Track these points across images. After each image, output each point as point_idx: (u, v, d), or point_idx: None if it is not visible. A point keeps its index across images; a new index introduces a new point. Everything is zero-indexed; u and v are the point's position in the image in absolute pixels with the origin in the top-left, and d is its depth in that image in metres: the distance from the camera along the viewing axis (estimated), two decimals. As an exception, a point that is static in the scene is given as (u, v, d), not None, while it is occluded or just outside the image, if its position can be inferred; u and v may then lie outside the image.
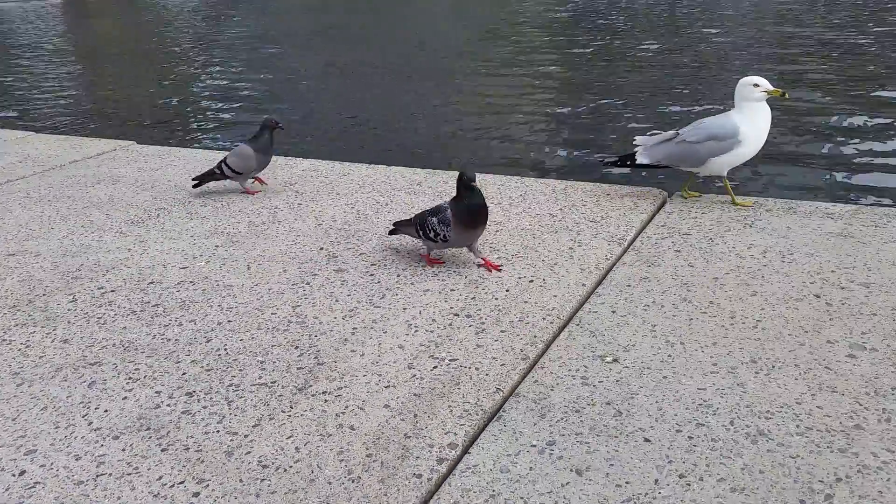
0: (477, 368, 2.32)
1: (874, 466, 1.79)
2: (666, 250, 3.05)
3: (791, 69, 9.61)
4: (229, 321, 2.68)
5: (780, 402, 2.05)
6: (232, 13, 23.37)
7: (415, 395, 2.18)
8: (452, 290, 2.82)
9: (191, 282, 3.02)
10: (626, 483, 1.80)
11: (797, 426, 1.95)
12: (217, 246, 3.36)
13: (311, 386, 2.25)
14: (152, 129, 8.67)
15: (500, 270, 2.95)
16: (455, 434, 2.02)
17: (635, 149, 3.60)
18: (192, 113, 9.72)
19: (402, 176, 4.18)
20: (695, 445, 1.91)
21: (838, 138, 6.50)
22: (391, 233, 3.21)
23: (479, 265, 3.01)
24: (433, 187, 3.97)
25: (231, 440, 2.05)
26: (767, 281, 2.73)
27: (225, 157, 3.96)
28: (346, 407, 2.15)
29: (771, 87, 3.30)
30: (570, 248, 3.12)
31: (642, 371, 2.25)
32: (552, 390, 2.19)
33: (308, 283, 2.93)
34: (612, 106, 8.34)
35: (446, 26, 17.74)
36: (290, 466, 1.93)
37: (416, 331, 2.53)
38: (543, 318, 2.59)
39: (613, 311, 2.61)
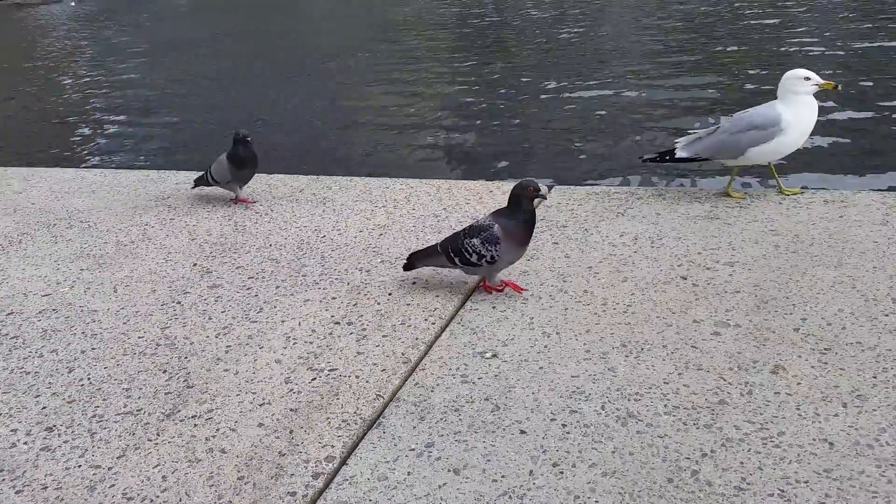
0: (357, 376, 2.27)
1: (737, 439, 1.87)
2: (544, 243, 3.10)
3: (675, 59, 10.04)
4: (93, 348, 2.52)
5: (648, 383, 2.11)
6: (106, 22, 22.34)
7: (291, 410, 2.12)
8: (334, 297, 2.77)
9: (53, 309, 2.83)
10: (502, 477, 1.81)
11: (665, 406, 2.01)
12: (82, 269, 3.16)
13: (179, 411, 2.15)
14: (15, 149, 8.15)
15: (525, 290, 2.69)
16: (332, 446, 1.97)
17: (675, 144, 3.53)
18: (61, 129, 9.20)
19: (284, 184, 4.09)
20: (568, 433, 1.94)
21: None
22: (406, 268, 2.81)
23: (498, 290, 2.72)
24: (316, 194, 3.90)
25: (94, 474, 1.92)
26: (637, 266, 2.81)
27: (211, 165, 3.91)
28: (218, 430, 2.06)
29: (822, 81, 3.22)
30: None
31: (520, 364, 2.26)
32: (432, 391, 2.18)
33: (179, 303, 2.80)
34: (500, 104, 8.47)
35: (336, 25, 17.56)
36: (157, 497, 1.82)
37: (295, 343, 2.46)
38: (426, 320, 2.57)
39: (494, 307, 2.62)
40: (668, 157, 3.49)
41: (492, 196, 3.66)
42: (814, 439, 1.83)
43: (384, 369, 2.30)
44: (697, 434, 1.89)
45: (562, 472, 1.80)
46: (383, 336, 2.49)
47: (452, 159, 6.62)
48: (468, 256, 2.61)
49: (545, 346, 2.34)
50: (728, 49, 10.55)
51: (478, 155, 6.64)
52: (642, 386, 2.10)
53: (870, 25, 11.20)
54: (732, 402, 2.00)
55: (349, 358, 2.37)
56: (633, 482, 1.75)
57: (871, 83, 7.62)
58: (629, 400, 2.05)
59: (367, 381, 2.24)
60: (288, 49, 14.68)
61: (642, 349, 2.28)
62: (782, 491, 1.68)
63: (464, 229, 2.69)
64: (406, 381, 2.25)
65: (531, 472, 1.81)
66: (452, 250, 2.65)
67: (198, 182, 3.93)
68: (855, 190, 3.77)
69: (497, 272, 2.69)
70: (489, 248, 2.57)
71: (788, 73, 3.27)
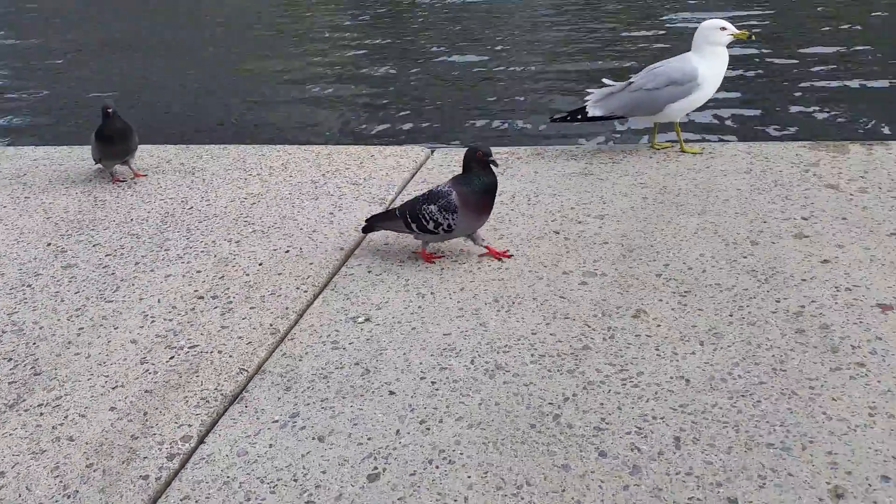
0: (220, 351, 2.18)
1: (598, 381, 1.90)
2: (423, 205, 3.06)
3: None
4: (-71, 341, 2.31)
5: (517, 335, 2.12)
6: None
7: (146, 391, 2.00)
8: (199, 271, 2.64)
9: None
10: (368, 440, 1.77)
11: (532, 355, 2.02)
12: (-78, 257, 2.90)
13: (24, 400, 1.99)
14: None
15: (509, 258, 2.57)
16: (190, 426, 1.88)
17: (585, 101, 3.42)
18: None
19: (150, 154, 3.86)
20: (437, 390, 1.92)
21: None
22: (365, 230, 2.72)
23: (481, 255, 2.61)
24: (185, 164, 3.71)
25: (-76, 476, 1.76)
26: (514, 224, 2.82)
27: None
28: (66, 417, 1.92)
29: (736, 31, 3.20)
30: (331, 214, 3.04)
31: (393, 326, 2.23)
32: (301, 361, 2.11)
33: (29, 286, 2.60)
34: (391, 70, 8.35)
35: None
36: (-6, 493, 1.69)
37: (153, 321, 2.33)
38: (297, 288, 2.49)
39: (370, 272, 2.57)
40: (579, 117, 3.38)
41: (373, 161, 3.58)
42: (671, 377, 1.88)
43: (250, 342, 2.21)
44: (561, 380, 1.91)
45: (428, 429, 1.78)
46: (251, 308, 2.40)
47: (335, 125, 6.48)
48: (425, 223, 2.50)
49: (419, 307, 2.31)
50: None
51: (363, 121, 6.52)
52: (511, 338, 2.11)
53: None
54: (595, 347, 2.03)
55: (212, 333, 2.27)
56: (497, 431, 1.75)
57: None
58: (498, 353, 2.05)
59: (230, 356, 2.15)
60: (172, 17, 13.97)
61: (514, 303, 2.29)
62: (639, 428, 1.72)
63: (423, 194, 2.58)
64: (273, 352, 2.18)
65: (398, 431, 1.79)
66: (410, 216, 2.54)
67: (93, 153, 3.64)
68: (722, 142, 3.92)
69: (451, 240, 2.62)
70: (446, 216, 2.47)
71: (705, 24, 3.23)
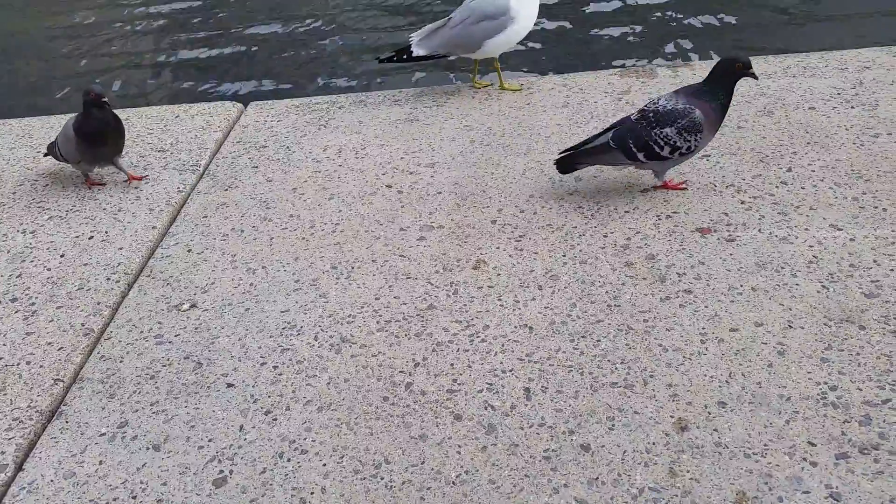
0: (28, 362, 1.92)
1: (446, 341, 1.87)
2: (243, 168, 2.84)
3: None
4: None
5: (361, 302, 2.04)
6: None
7: (-64, 423, 1.72)
8: (-14, 272, 2.30)
9: None
10: (210, 441, 1.63)
11: (377, 322, 1.95)
12: None
13: None
14: None
15: (685, 189, 2.38)
16: (3, 453, 1.64)
17: (409, 40, 3.29)
18: None
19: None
20: (280, 374, 1.80)
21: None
22: (563, 170, 2.41)
23: (656, 187, 2.41)
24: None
25: None
26: (343, 181, 2.69)
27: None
28: None
29: None
30: (136, 188, 2.75)
31: (223, 310, 2.06)
32: (122, 362, 1.90)
33: None
34: (195, 17, 7.69)
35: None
36: None
37: (-66, 339, 2.00)
38: (108, 279, 2.24)
39: (189, 250, 2.35)
40: (405, 56, 3.31)
41: (179, 122, 3.26)
42: (515, 327, 1.89)
43: (61, 347, 1.96)
44: (409, 345, 1.86)
45: (275, 419, 1.67)
46: (57, 308, 2.12)
47: (131, 86, 5.89)
48: (658, 150, 2.23)
49: (251, 285, 2.16)
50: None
51: (165, 81, 5.98)
52: (354, 306, 2.02)
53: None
54: (440, 305, 2.00)
55: (16, 342, 1.99)
56: (349, 410, 1.68)
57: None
58: (342, 324, 1.96)
59: (41, 366, 1.90)
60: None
61: (353, 268, 2.19)
62: (490, 385, 1.72)
63: (642, 117, 2.29)
64: (90, 355, 1.95)
65: (241, 427, 1.66)
66: (635, 144, 2.25)
67: (49, 151, 2.88)
68: (538, 76, 3.97)
69: (677, 165, 2.37)
70: (689, 137, 2.21)
71: None
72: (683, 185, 2.42)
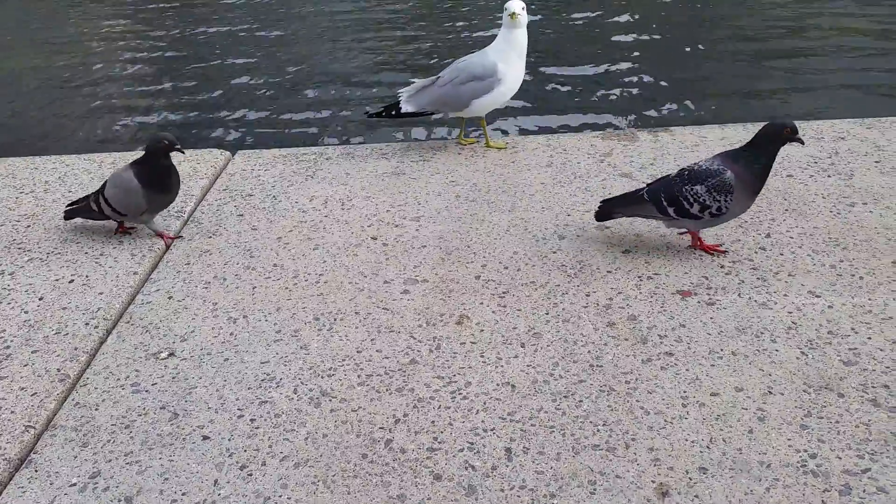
0: (-2, 407, 1.87)
1: (427, 398, 1.85)
2: (228, 216, 2.85)
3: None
4: None
5: (342, 355, 2.02)
6: None
7: None
8: (-39, 314, 2.26)
9: None
10: (183, 495, 1.59)
11: (358, 376, 1.94)
12: None
13: None
14: None
15: (725, 254, 2.38)
16: (-36, 503, 1.59)
17: (398, 97, 3.36)
18: None
19: None
20: (257, 428, 1.77)
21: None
22: (600, 217, 2.50)
23: (693, 246, 2.43)
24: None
25: None
26: (329, 232, 2.70)
27: (103, 186, 2.64)
28: None
29: (513, 10, 3.14)
30: (120, 233, 2.73)
31: (202, 359, 2.03)
32: (97, 409, 1.87)
33: None
34: (184, 68, 7.78)
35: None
36: None
37: None
38: (87, 324, 2.21)
39: (170, 297, 2.33)
40: (393, 112, 3.38)
41: (166, 169, 3.27)
42: (497, 384, 1.89)
43: (35, 393, 1.92)
44: (391, 400, 1.85)
45: (250, 474, 1.64)
46: (33, 352, 2.09)
47: (120, 132, 5.91)
48: (687, 206, 2.26)
49: (231, 334, 2.14)
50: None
51: (154, 127, 6.00)
52: (335, 359, 2.00)
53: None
54: (422, 360, 1.99)
55: (-14, 387, 1.94)
56: (327, 467, 1.65)
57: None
58: (322, 377, 1.94)
59: (12, 412, 1.86)
60: None
61: (335, 320, 2.18)
62: (471, 444, 1.70)
63: (678, 174, 2.33)
64: (64, 402, 1.91)
65: (216, 481, 1.63)
66: (666, 199, 2.29)
67: (76, 212, 2.72)
68: (524, 135, 4.05)
69: (713, 226, 2.38)
70: (718, 197, 2.22)
71: (507, 3, 3.22)
72: (722, 249, 2.40)
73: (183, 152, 2.56)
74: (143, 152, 2.61)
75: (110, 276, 2.45)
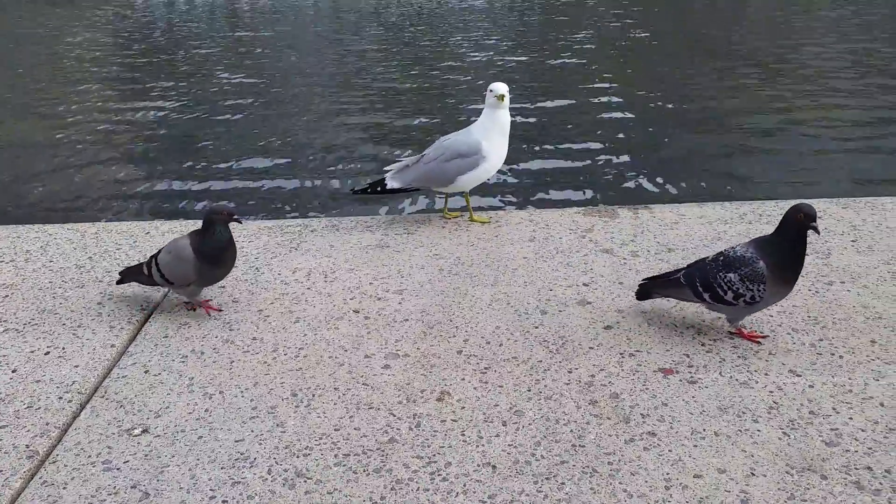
0: (-40, 486, 1.80)
1: (406, 479, 1.81)
2: (209, 288, 2.83)
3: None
4: None
5: (319, 432, 1.98)
6: None
7: None
8: (-70, 387, 2.20)
9: None
10: (149, 584, 1.53)
11: (335, 455, 1.90)
12: None
13: None
14: None
15: (762, 339, 2.34)
16: (-84, 591, 1.51)
17: (384, 174, 3.44)
18: None
19: None
20: (230, 510, 1.72)
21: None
22: (640, 297, 2.49)
23: (730, 332, 2.39)
24: (-83, 253, 3.14)
25: None
26: (311, 304, 2.69)
27: (158, 251, 2.60)
28: None
29: (500, 92, 3.25)
30: (100, 304, 2.71)
31: (176, 436, 1.99)
32: (65, 488, 1.81)
33: None
34: (166, 139, 7.88)
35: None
36: None
37: None
38: (60, 399, 2.16)
39: (146, 371, 2.29)
40: (379, 188, 3.45)
41: (149, 239, 3.27)
42: (478, 465, 1.85)
43: (0, 471, 1.86)
44: (368, 481, 1.80)
45: (221, 560, 1.58)
46: (1, 427, 2.03)
47: (104, 200, 5.92)
48: (721, 293, 2.24)
49: (206, 410, 2.09)
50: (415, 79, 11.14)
51: (137, 195, 6.03)
52: (312, 438, 1.96)
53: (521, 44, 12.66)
54: (402, 439, 1.95)
55: (-50, 464, 1.88)
56: (301, 553, 1.60)
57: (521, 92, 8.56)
58: (298, 457, 1.89)
59: (-26, 491, 1.79)
60: None
61: (314, 395, 2.15)
62: (451, 528, 1.65)
63: (714, 258, 2.32)
64: (31, 480, 1.85)
65: (184, 567, 1.56)
66: (701, 284, 2.28)
67: (128, 275, 2.68)
68: (506, 210, 4.10)
69: (751, 314, 2.35)
70: (751, 286, 2.19)
71: (492, 85, 3.33)
72: (757, 338, 2.35)
73: (240, 222, 2.53)
74: (202, 222, 2.53)
75: (87, 349, 2.41)
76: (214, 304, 2.68)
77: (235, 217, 2.50)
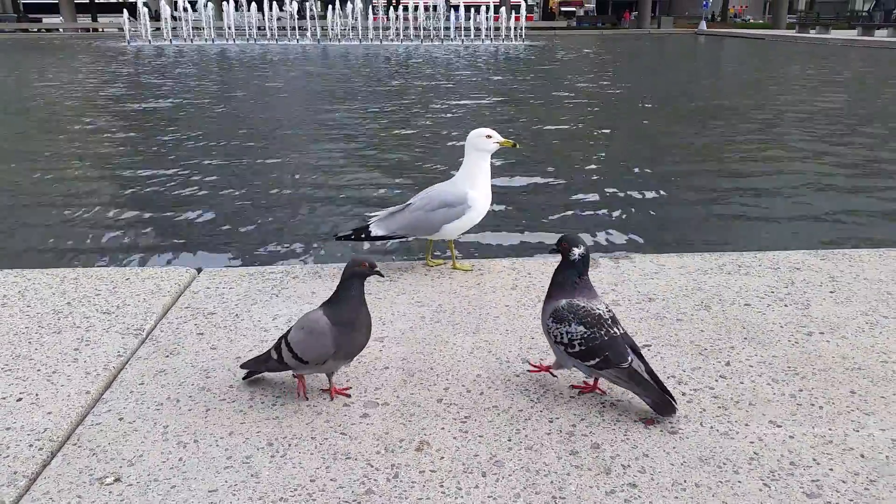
0: (-80, 539, 1.74)
1: (382, 531, 1.77)
2: (188, 335, 2.80)
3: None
4: None
5: (294, 484, 1.94)
6: None
7: None
8: None
9: None
10: None
11: (310, 508, 1.85)
12: None
13: None
14: None
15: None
16: None
17: (369, 221, 3.44)
18: None
19: None
20: (200, 564, 1.67)
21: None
22: None
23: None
24: None
25: None
26: (290, 351, 2.66)
27: (287, 332, 2.35)
28: None
29: (502, 139, 3.31)
30: (76, 350, 2.67)
31: (148, 485, 1.94)
32: (29, 541, 1.75)
33: None
34: (151, 183, 7.90)
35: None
36: None
37: None
38: (30, 446, 2.10)
39: (121, 419, 2.25)
40: (363, 235, 3.45)
41: (129, 285, 3.24)
42: (456, 517, 1.81)
43: (-37, 523, 1.80)
44: (344, 535, 1.76)
45: None
46: (-33, 476, 1.97)
47: (84, 245, 5.88)
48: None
49: (180, 459, 2.05)
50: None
51: (119, 240, 6.00)
52: (287, 489, 1.92)
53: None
54: (379, 490, 1.91)
55: (-89, 515, 1.81)
56: None
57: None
58: (272, 508, 1.85)
59: (-66, 544, 1.73)
60: None
61: (290, 445, 2.11)
62: (427, 582, 1.61)
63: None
64: (-6, 533, 1.79)
65: None
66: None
67: (253, 365, 2.40)
68: (489, 257, 4.11)
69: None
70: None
71: (473, 132, 3.38)
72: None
73: (382, 276, 2.27)
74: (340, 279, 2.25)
75: (61, 395, 2.36)
76: (190, 350, 2.64)
77: (377, 270, 2.21)
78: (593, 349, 2.19)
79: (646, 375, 2.17)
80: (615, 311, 2.94)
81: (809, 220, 6.50)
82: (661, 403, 2.15)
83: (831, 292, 3.07)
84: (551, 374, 2.46)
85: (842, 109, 13.83)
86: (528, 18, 46.74)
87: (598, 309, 2.26)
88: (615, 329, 2.22)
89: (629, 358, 2.18)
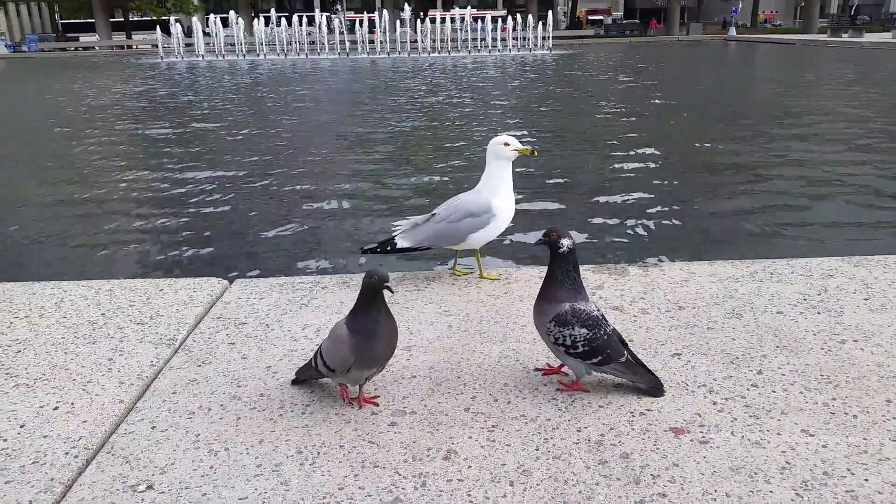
0: (-38, 543, 1.79)
1: (410, 539, 1.78)
2: (219, 344, 2.84)
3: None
4: None
5: (322, 492, 1.95)
6: None
7: None
8: (-62, 441, 2.21)
9: None
10: None
11: (339, 516, 1.87)
12: None
13: None
14: None
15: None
16: None
17: (394, 233, 3.46)
18: None
19: None
20: (231, 571, 1.69)
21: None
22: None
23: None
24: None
25: None
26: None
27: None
28: None
29: (520, 146, 3.31)
30: (110, 360, 2.72)
31: (180, 493, 1.97)
32: (65, 546, 1.79)
33: None
34: (180, 196, 8.04)
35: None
36: None
37: None
38: (66, 454, 2.15)
39: (153, 427, 2.29)
40: (388, 248, 3.45)
41: (162, 296, 3.31)
42: (484, 526, 1.81)
43: (2, 528, 1.85)
44: (372, 542, 1.77)
45: None
46: (6, 483, 2.02)
47: (119, 257, 6.00)
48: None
49: (211, 467, 2.08)
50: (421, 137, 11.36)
51: (153, 252, 6.11)
52: (315, 497, 1.94)
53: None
54: (406, 499, 1.92)
55: (-47, 520, 1.87)
56: None
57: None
58: (302, 516, 1.87)
59: (-25, 548, 1.77)
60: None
61: (319, 453, 2.13)
62: (455, 591, 1.61)
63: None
64: (31, 538, 1.83)
65: None
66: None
67: (302, 373, 2.48)
68: (517, 267, 4.11)
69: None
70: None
71: (492, 140, 3.37)
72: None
73: (392, 292, 2.22)
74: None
75: (96, 404, 2.42)
76: (222, 359, 2.68)
77: (386, 285, 2.18)
78: (595, 349, 2.33)
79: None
80: (644, 319, 2.93)
81: (844, 227, 6.38)
82: (655, 387, 2.36)
83: (865, 299, 3.01)
84: (563, 373, 2.52)
85: (878, 117, 13.57)
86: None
87: (596, 311, 2.40)
88: (608, 326, 2.39)
89: (625, 352, 2.36)
